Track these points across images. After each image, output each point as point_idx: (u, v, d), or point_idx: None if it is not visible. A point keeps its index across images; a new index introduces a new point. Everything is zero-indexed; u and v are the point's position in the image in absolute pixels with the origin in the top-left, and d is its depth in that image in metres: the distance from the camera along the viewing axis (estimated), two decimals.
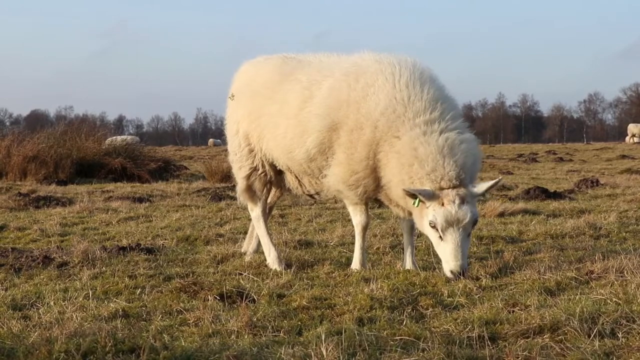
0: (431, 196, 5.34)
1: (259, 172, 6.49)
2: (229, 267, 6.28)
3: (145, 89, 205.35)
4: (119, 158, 18.66)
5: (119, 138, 22.53)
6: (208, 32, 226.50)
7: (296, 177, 6.30)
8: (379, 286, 5.20)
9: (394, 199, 5.71)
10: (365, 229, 6.11)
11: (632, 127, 54.48)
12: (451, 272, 5.36)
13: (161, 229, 8.72)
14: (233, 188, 13.86)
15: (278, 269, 6.17)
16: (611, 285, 5.08)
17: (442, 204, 5.33)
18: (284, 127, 6.02)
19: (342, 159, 5.74)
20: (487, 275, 5.62)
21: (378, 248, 7.13)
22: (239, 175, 6.62)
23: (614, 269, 5.47)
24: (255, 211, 6.62)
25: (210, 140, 68.03)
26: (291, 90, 6.05)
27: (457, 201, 5.32)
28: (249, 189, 6.59)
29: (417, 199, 5.42)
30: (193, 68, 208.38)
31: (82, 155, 18.62)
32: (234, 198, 12.33)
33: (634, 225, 8.35)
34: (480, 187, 5.52)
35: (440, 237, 5.38)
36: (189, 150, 47.52)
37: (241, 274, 5.92)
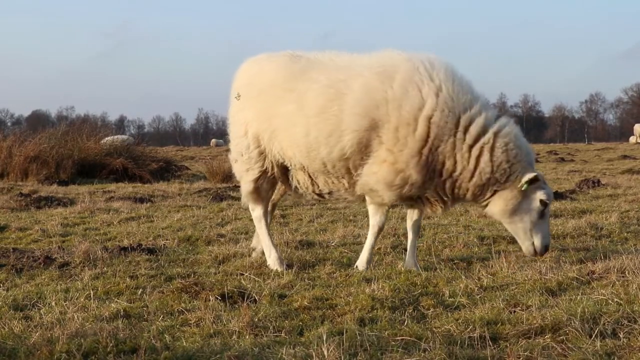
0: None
1: (268, 174, 6.39)
2: (230, 268, 6.28)
3: (147, 89, 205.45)
4: (120, 158, 18.67)
5: (112, 138, 22.51)
6: (210, 33, 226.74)
7: (309, 177, 6.23)
8: (380, 286, 5.20)
9: (462, 188, 5.85)
10: (381, 230, 6.20)
11: (637, 128, 54.28)
12: (546, 247, 5.92)
13: (162, 229, 8.72)
14: (234, 188, 13.93)
15: (279, 270, 6.16)
16: (612, 286, 5.08)
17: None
18: (304, 126, 5.94)
19: (386, 156, 5.75)
20: (489, 275, 5.62)
21: (379, 248, 7.12)
22: (247, 177, 6.47)
23: (615, 269, 5.47)
24: (256, 211, 6.57)
25: (213, 141, 67.99)
26: (309, 89, 5.96)
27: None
28: (256, 191, 6.49)
29: (527, 183, 5.77)
30: (194, 68, 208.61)
31: (84, 155, 18.63)
32: (235, 198, 12.38)
33: (635, 225, 8.34)
34: None
35: (542, 216, 5.87)
36: (190, 151, 47.51)
37: (242, 275, 5.92)
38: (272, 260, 6.32)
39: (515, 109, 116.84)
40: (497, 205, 5.89)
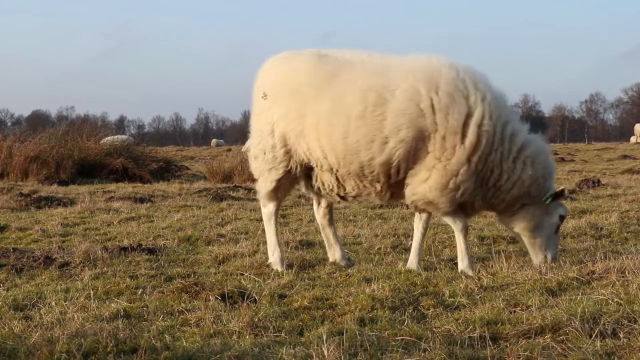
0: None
1: (292, 174, 6.31)
2: (230, 268, 6.28)
3: (147, 89, 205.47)
4: (120, 158, 18.66)
5: (112, 138, 22.54)
6: (210, 33, 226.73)
7: (337, 179, 6.16)
8: (380, 286, 5.20)
9: (499, 198, 5.95)
10: (467, 230, 6.19)
11: (638, 127, 54.31)
12: (555, 259, 6.05)
13: (162, 229, 8.72)
14: (234, 188, 13.93)
15: (279, 270, 6.17)
16: (612, 286, 5.08)
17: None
18: (344, 127, 5.87)
19: (434, 164, 5.74)
20: (489, 276, 5.62)
21: (379, 248, 7.12)
22: (270, 177, 6.37)
23: (615, 269, 5.47)
24: (269, 208, 6.49)
25: (213, 141, 68.07)
26: (348, 92, 5.88)
27: None
28: (276, 190, 6.42)
29: (552, 198, 5.96)
30: (194, 68, 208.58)
31: (84, 155, 18.62)
32: (235, 198, 12.38)
33: (635, 225, 8.34)
34: None
35: (557, 230, 6.09)
36: (190, 151, 47.47)
37: (242, 275, 5.92)
38: (275, 259, 6.31)
39: (515, 109, 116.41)
40: (523, 219, 6.05)
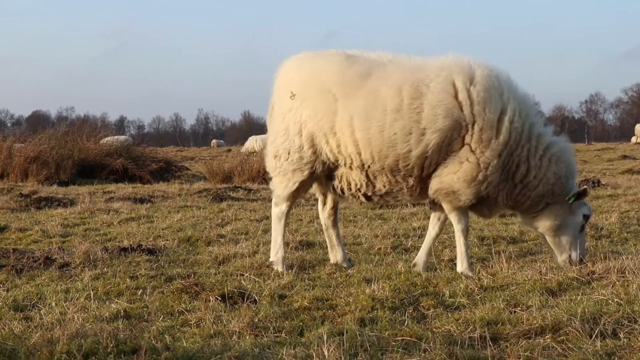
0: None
1: (315, 175, 6.28)
2: (230, 268, 6.28)
3: (147, 90, 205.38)
4: (120, 159, 18.66)
5: (112, 139, 22.59)
6: (210, 33, 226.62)
7: (367, 176, 6.16)
8: (380, 287, 5.20)
9: (525, 196, 6.02)
10: (468, 232, 6.24)
11: (639, 128, 54.36)
12: (582, 259, 6.03)
13: (162, 229, 8.72)
14: (234, 189, 13.93)
15: (280, 270, 6.17)
16: (612, 286, 5.08)
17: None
18: (380, 121, 5.92)
19: (468, 156, 5.85)
20: (489, 276, 5.63)
21: (379, 249, 7.12)
22: (294, 178, 6.30)
23: (615, 270, 5.47)
24: (281, 208, 6.45)
25: (214, 141, 67.98)
26: (383, 86, 5.95)
27: None
28: (297, 191, 6.40)
29: (575, 197, 6.03)
30: (195, 69, 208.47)
31: (84, 156, 18.63)
32: (235, 199, 12.38)
33: (635, 225, 8.34)
34: None
35: (582, 229, 6.13)
36: (190, 151, 47.48)
37: (242, 275, 5.92)
38: (277, 259, 6.31)
39: None
40: (547, 219, 6.13)
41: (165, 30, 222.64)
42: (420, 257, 6.27)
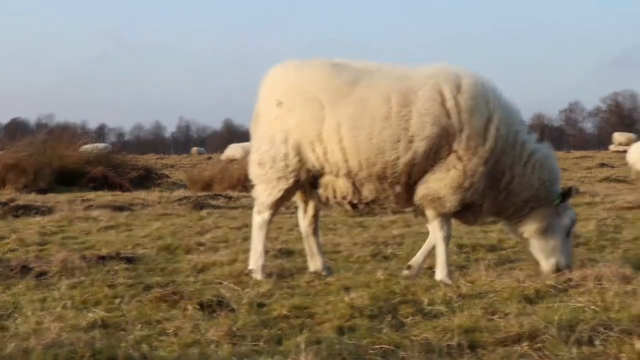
0: None
1: (299, 183, 6.27)
2: (209, 276, 6.26)
3: (128, 97, 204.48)
4: (99, 166, 18.60)
5: (91, 146, 22.50)
6: (192, 42, 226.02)
7: (353, 184, 6.16)
8: (359, 295, 5.20)
9: (510, 202, 6.12)
10: (449, 241, 6.28)
11: (617, 136, 54.97)
12: (568, 265, 6.08)
13: (141, 237, 8.68)
14: (215, 197, 13.91)
15: (259, 278, 6.15)
16: (589, 293, 5.12)
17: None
18: (369, 129, 5.95)
19: (455, 164, 5.91)
20: (467, 284, 5.64)
21: (359, 257, 7.13)
22: (279, 186, 6.28)
23: (592, 277, 5.52)
24: (264, 216, 6.41)
25: (194, 149, 67.88)
26: (371, 95, 5.99)
27: None
28: (282, 199, 6.39)
29: (561, 198, 6.19)
30: (175, 76, 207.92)
31: (63, 163, 18.53)
32: (215, 207, 12.36)
33: (612, 233, 8.41)
34: None
35: (568, 234, 6.20)
36: (170, 159, 47.30)
37: (221, 283, 5.90)
38: (257, 267, 6.28)
39: None
40: (533, 222, 6.19)
41: (147, 40, 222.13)
42: (416, 259, 6.32)
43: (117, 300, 5.37)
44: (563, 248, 6.14)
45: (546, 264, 6.11)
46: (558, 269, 6.02)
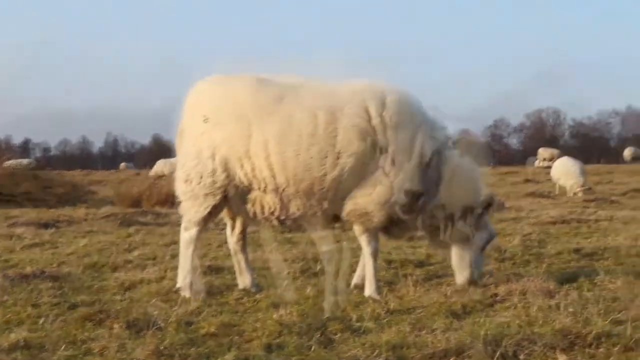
0: None
1: (227, 199, 6.22)
2: (136, 294, 6.18)
3: (54, 112, 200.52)
4: (24, 183, 18.17)
5: (15, 162, 22.05)
6: (119, 56, 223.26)
7: (280, 200, 6.14)
8: (288, 312, 5.21)
9: (439, 215, 6.18)
10: (377, 256, 6.31)
11: (542, 152, 56.41)
12: (481, 276, 6.28)
13: (67, 255, 8.51)
14: (143, 214, 13.72)
15: (187, 296, 6.09)
16: (514, 308, 5.22)
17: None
18: (296, 145, 5.95)
19: (382, 179, 5.96)
20: (396, 299, 5.70)
21: (289, 273, 7.12)
22: (206, 202, 6.22)
23: (517, 292, 5.63)
24: (191, 233, 6.33)
25: (122, 164, 66.99)
26: (297, 111, 6.01)
27: None
28: (209, 216, 6.32)
29: (483, 207, 6.24)
30: (104, 91, 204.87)
31: None
32: (143, 223, 12.19)
33: (536, 248, 8.60)
34: None
35: (484, 247, 6.31)
36: (97, 175, 46.51)
37: (149, 302, 5.82)
38: (185, 285, 6.21)
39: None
40: (455, 235, 6.23)
41: (73, 52, 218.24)
42: (359, 275, 6.42)
43: (41, 320, 5.25)
44: (479, 260, 6.28)
45: (461, 276, 6.23)
46: (471, 282, 6.15)
